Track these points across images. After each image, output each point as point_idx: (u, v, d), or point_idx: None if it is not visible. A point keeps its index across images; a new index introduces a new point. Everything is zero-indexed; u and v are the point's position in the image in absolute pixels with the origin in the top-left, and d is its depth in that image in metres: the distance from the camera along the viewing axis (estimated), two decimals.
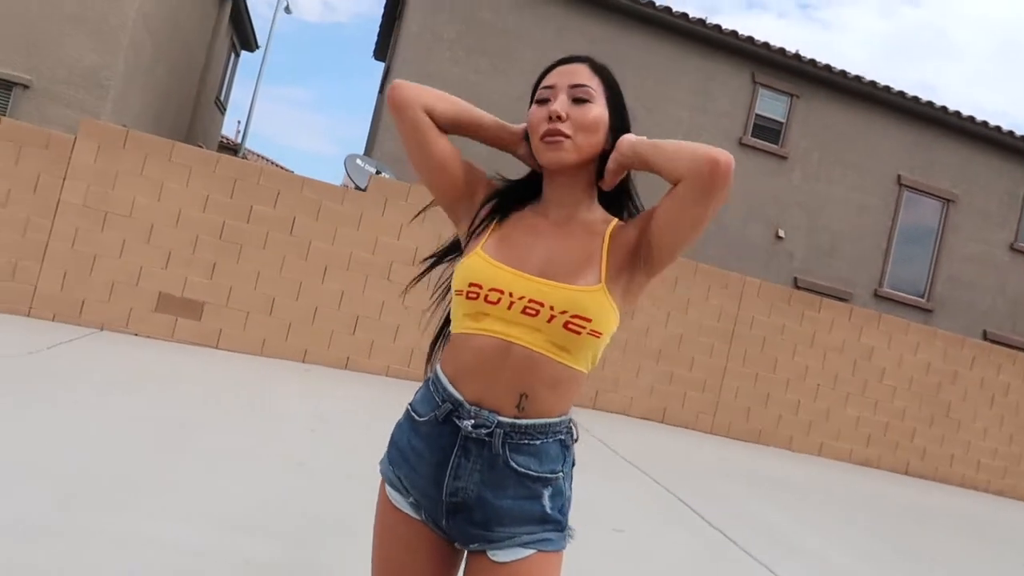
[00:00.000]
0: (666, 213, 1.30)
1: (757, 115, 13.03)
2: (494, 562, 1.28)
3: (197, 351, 7.04)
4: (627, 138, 1.35)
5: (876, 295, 13.35)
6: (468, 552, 1.33)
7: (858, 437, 9.21)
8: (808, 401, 9.09)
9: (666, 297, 8.53)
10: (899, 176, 13.56)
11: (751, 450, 8.33)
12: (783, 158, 13.11)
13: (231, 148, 20.71)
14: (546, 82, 1.39)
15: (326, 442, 4.89)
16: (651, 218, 1.34)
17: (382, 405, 5.68)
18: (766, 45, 12.77)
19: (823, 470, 8.20)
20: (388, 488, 1.37)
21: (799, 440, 9.05)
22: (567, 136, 1.33)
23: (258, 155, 23.57)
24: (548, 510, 1.30)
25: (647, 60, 12.45)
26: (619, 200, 1.46)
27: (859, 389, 9.23)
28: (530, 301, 1.27)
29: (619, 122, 1.40)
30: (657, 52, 12.54)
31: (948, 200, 13.80)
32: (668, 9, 12.33)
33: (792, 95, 13.17)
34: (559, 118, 1.33)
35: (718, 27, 12.51)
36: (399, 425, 1.40)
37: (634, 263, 1.34)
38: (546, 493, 1.30)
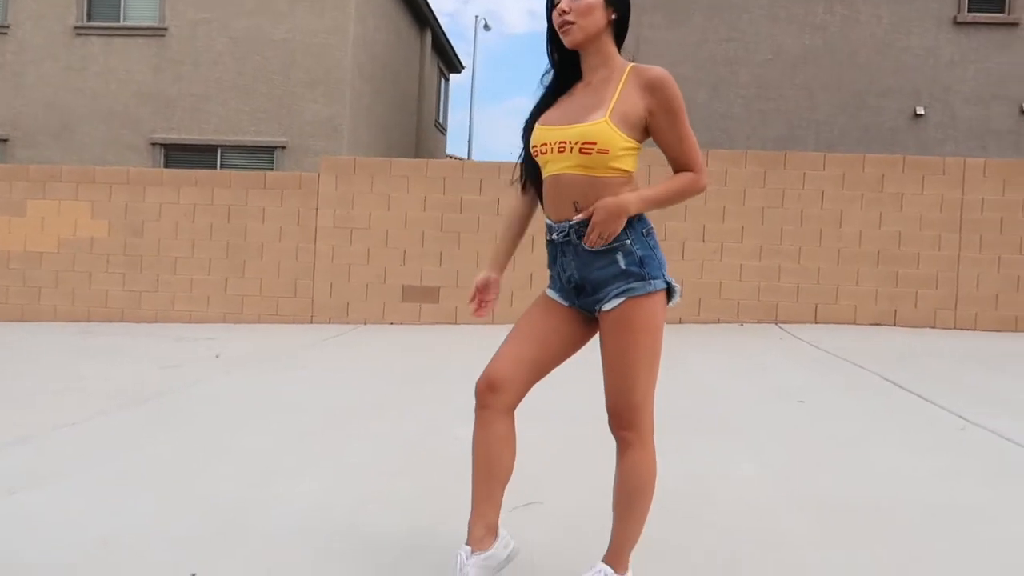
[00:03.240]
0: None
1: None
2: (604, 312, 1.94)
3: (442, 328, 8.25)
4: (620, 210, 1.89)
5: None
6: (597, 318, 1.98)
7: None
8: None
9: (874, 196, 8.23)
10: None
11: (1006, 339, 7.75)
12: (1012, 25, 11.69)
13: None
14: None
15: None
16: (655, 127, 1.94)
17: None
18: None
19: None
20: (547, 290, 2.13)
21: None
22: (571, 23, 1.91)
23: None
24: (624, 266, 1.92)
25: None
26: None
27: None
28: (560, 143, 1.94)
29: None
30: None
31: None
32: None
33: None
34: (563, 12, 1.92)
35: None
36: None
37: (638, 122, 1.93)
38: (619, 256, 1.93)
